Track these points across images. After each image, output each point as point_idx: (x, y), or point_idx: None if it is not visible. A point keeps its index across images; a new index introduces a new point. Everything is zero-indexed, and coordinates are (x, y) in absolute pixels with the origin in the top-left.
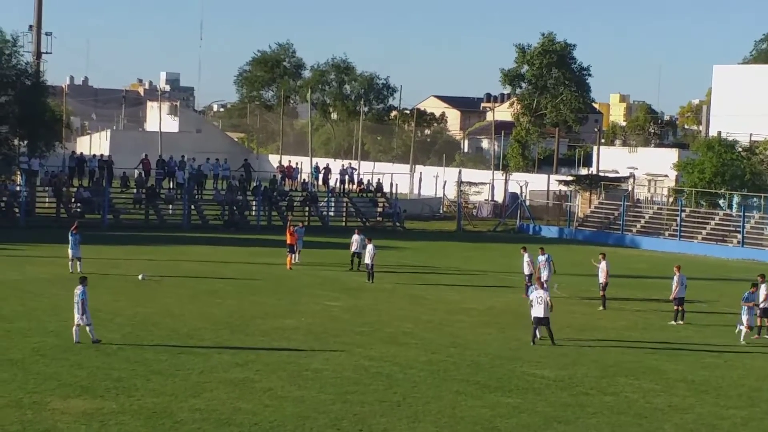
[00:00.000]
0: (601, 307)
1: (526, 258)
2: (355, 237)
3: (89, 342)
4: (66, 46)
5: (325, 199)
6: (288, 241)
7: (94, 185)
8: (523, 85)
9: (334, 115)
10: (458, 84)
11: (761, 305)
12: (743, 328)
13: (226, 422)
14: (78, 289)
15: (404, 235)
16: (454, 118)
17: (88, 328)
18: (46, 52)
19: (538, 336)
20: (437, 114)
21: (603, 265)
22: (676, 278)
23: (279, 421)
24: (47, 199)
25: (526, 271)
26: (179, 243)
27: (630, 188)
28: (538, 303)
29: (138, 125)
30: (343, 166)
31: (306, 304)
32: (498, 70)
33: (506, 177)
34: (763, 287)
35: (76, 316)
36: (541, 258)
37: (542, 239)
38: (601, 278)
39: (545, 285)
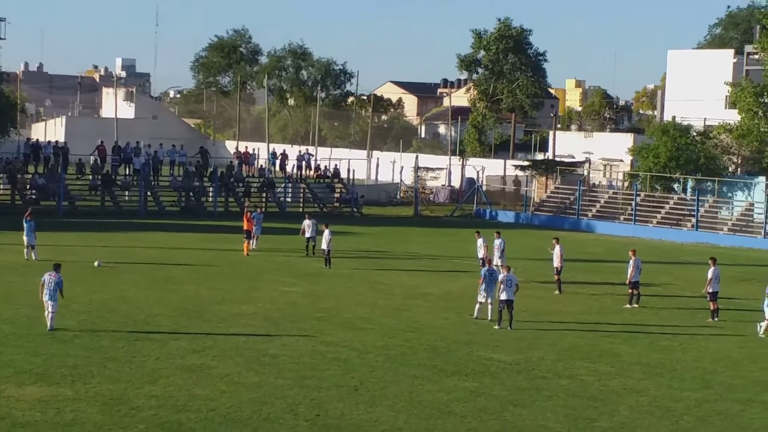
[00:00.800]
0: (556, 291)
1: (480, 242)
2: (307, 222)
3: (47, 329)
4: (20, 32)
5: (282, 185)
6: (245, 227)
7: (49, 172)
8: (480, 70)
9: (291, 101)
10: (415, 70)
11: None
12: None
13: (183, 408)
14: (54, 276)
15: (361, 221)
16: (411, 103)
17: (51, 315)
18: (0, 38)
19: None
20: (394, 100)
21: (557, 250)
22: (631, 262)
23: (236, 406)
24: (1, 186)
25: (480, 254)
26: (135, 229)
27: (585, 173)
28: (507, 285)
29: (93, 112)
30: (300, 152)
31: (263, 289)
32: (455, 55)
33: (463, 162)
34: (711, 269)
35: (51, 303)
36: (497, 242)
37: (499, 224)
38: (556, 262)
39: (496, 269)
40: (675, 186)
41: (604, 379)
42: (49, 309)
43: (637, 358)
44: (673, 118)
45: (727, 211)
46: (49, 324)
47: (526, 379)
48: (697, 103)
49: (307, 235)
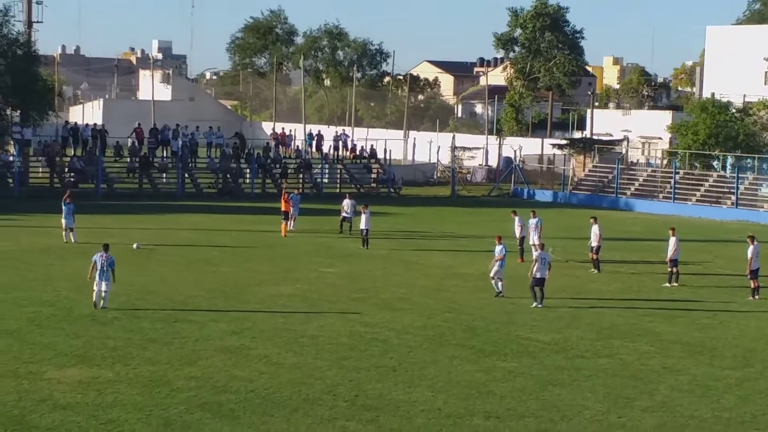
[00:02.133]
0: (593, 270)
1: (517, 222)
2: (346, 201)
3: (87, 311)
4: (57, 15)
5: (319, 166)
6: (282, 209)
7: (87, 155)
8: (516, 49)
9: (327, 82)
10: (451, 49)
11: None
12: None
13: (222, 389)
14: (105, 256)
15: (398, 201)
16: (447, 83)
17: (105, 294)
18: (38, 21)
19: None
20: (430, 79)
21: (595, 229)
22: (671, 240)
23: (275, 387)
24: (41, 169)
25: (518, 234)
26: (173, 212)
27: (624, 151)
28: (542, 264)
29: (131, 94)
30: (336, 132)
31: (301, 271)
32: (491, 34)
33: (500, 142)
34: (750, 247)
35: (104, 283)
36: (532, 221)
37: (536, 203)
38: (593, 241)
39: (534, 248)
40: (714, 163)
41: (643, 359)
42: (103, 288)
43: (677, 336)
44: (712, 94)
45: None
46: (102, 303)
47: (565, 358)
48: (737, 79)
49: (344, 214)
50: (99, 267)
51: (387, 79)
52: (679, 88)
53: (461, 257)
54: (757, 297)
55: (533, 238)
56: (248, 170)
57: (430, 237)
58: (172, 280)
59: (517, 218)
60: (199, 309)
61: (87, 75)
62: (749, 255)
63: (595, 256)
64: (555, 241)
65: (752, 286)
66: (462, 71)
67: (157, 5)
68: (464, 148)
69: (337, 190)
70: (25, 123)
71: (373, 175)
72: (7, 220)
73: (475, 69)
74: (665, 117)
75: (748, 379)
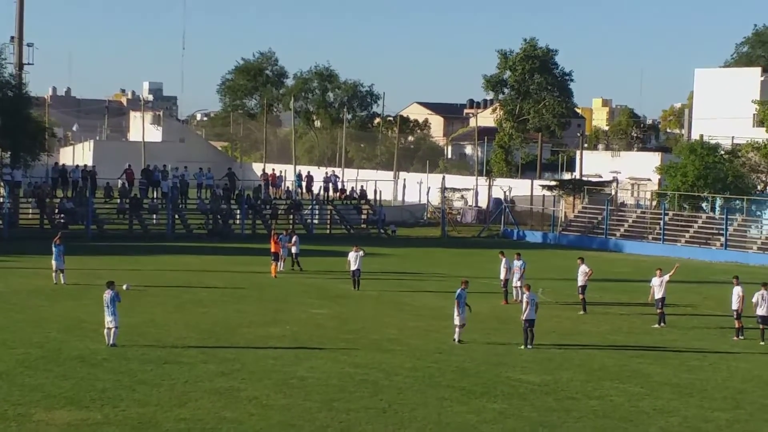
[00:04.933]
0: (581, 312)
1: (503, 263)
2: (352, 254)
3: (76, 353)
4: (48, 57)
5: (309, 206)
6: (272, 250)
7: (77, 196)
8: (506, 90)
9: (317, 123)
10: (441, 90)
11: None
12: None
13: (212, 431)
14: (109, 293)
15: (389, 242)
16: (437, 124)
17: (113, 330)
18: (28, 63)
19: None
20: (420, 120)
21: (583, 268)
22: (655, 280)
23: (264, 429)
24: (30, 211)
25: (502, 276)
26: (163, 252)
27: (613, 192)
28: (530, 305)
29: (121, 135)
30: (326, 173)
31: (291, 312)
32: (480, 76)
33: (490, 183)
34: (737, 289)
35: (108, 319)
36: (517, 263)
37: (526, 244)
38: (580, 281)
39: (516, 290)
40: (703, 205)
41: (633, 400)
42: (111, 325)
43: (667, 378)
44: (701, 136)
45: (757, 230)
46: (111, 340)
47: (555, 400)
48: (725, 121)
49: (353, 267)
50: (105, 304)
51: (377, 120)
52: (668, 130)
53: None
54: (741, 337)
55: (516, 281)
56: (238, 211)
57: (420, 278)
58: (161, 322)
59: (504, 259)
60: (188, 350)
61: (78, 116)
62: (754, 300)
63: (581, 297)
64: (545, 282)
65: (736, 326)
66: (452, 113)
67: (148, 47)
68: (454, 189)
69: (328, 231)
70: (15, 164)
71: (363, 216)
72: None
73: (465, 110)
74: (654, 158)
75: (738, 421)
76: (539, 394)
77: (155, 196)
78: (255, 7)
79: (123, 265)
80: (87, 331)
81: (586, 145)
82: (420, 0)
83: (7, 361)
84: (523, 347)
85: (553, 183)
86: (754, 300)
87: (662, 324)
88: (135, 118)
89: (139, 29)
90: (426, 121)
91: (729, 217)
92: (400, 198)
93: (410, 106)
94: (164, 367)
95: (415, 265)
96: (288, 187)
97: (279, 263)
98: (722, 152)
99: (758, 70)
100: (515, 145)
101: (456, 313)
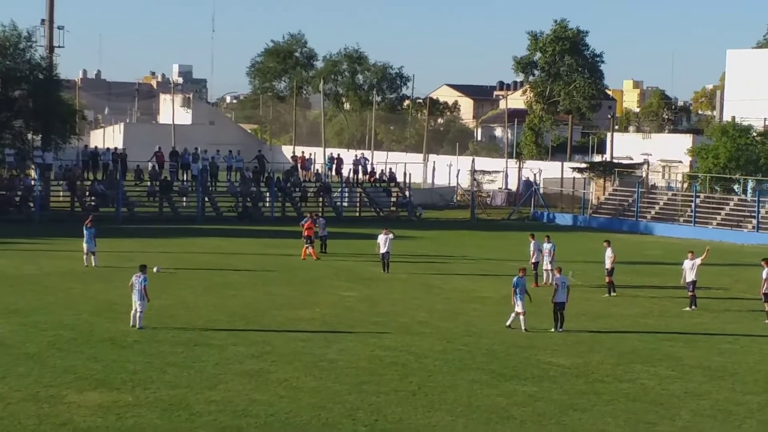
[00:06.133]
0: (607, 294)
1: (532, 246)
2: (381, 237)
3: (107, 335)
4: (78, 40)
5: (339, 189)
6: (304, 233)
7: (108, 179)
8: (536, 72)
9: (346, 105)
10: (471, 72)
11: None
12: None
13: (242, 414)
14: (140, 276)
15: (418, 225)
16: (467, 106)
17: (140, 314)
18: (59, 46)
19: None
20: (450, 103)
21: (609, 252)
22: (687, 263)
23: (294, 411)
24: (62, 193)
25: (532, 259)
26: (193, 235)
27: (644, 175)
28: (561, 288)
29: (151, 118)
30: (356, 156)
31: (321, 294)
32: (510, 57)
33: (520, 165)
34: (766, 271)
35: (137, 303)
36: (546, 246)
37: (556, 227)
38: (607, 264)
39: (546, 273)
40: (735, 187)
41: (664, 383)
42: (138, 308)
43: (698, 361)
44: (733, 118)
45: None
46: (138, 323)
47: (586, 383)
48: (757, 102)
49: (382, 250)
50: (135, 287)
51: (407, 102)
52: (700, 112)
53: (481, 281)
54: None
55: (547, 263)
56: (268, 194)
57: (450, 260)
58: (191, 304)
59: (533, 242)
60: (218, 333)
61: (108, 99)
62: (764, 277)
63: (609, 279)
64: (575, 264)
65: (767, 309)
66: (481, 95)
67: (178, 30)
68: (484, 172)
69: (357, 214)
70: (46, 147)
71: (393, 199)
72: (29, 244)
73: (495, 92)
74: (686, 140)
75: None
76: (569, 377)
77: (185, 178)
78: None
79: (153, 248)
80: (118, 313)
81: (616, 127)
82: None
83: (38, 343)
84: (553, 330)
85: (583, 165)
86: None
87: (693, 307)
88: (165, 101)
89: (169, 12)
90: (456, 103)
91: (761, 199)
92: (429, 181)
93: (440, 89)
94: (194, 349)
95: (444, 248)
96: (317, 170)
97: (311, 246)
98: (754, 134)
99: None
100: (545, 127)
101: (514, 302)
